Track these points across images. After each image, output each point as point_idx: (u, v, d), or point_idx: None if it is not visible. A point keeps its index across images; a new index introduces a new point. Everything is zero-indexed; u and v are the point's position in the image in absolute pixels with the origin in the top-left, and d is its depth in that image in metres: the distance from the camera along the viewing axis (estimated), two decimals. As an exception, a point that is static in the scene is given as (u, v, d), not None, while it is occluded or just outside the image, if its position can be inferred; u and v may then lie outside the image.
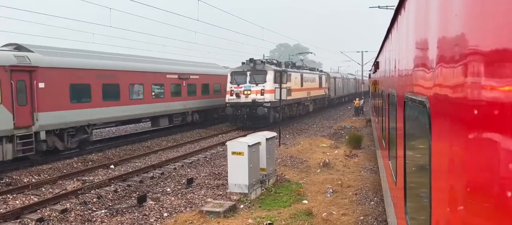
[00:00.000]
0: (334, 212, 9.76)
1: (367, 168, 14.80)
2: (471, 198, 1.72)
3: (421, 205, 3.07)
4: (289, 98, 26.51)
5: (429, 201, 2.56)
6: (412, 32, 3.53)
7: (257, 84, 26.09)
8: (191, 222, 9.03)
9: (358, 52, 60.67)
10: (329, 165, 15.17)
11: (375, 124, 16.25)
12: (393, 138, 5.70)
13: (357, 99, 40.23)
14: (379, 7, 25.69)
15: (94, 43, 36.45)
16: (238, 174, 10.83)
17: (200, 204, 10.59)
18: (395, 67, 5.58)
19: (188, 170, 15.07)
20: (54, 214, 9.93)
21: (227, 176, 11.54)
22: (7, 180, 13.19)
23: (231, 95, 26.48)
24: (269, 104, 25.46)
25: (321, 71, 42.98)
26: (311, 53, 39.95)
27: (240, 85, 26.37)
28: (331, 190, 11.74)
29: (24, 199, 11.31)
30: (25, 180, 13.32)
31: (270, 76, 26.24)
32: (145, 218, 9.67)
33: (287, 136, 23.82)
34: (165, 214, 9.96)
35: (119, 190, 12.18)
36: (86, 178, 13.81)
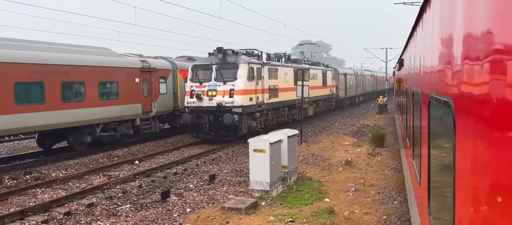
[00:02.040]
0: (357, 211, 9.69)
1: (390, 167, 14.61)
2: (495, 199, 1.71)
3: (445, 205, 3.05)
4: (272, 100, 21.87)
5: (453, 202, 2.54)
6: (437, 30, 3.49)
7: (224, 82, 19.30)
8: (213, 218, 9.12)
9: (382, 49, 59.52)
10: (351, 163, 15.05)
11: (399, 122, 16.05)
12: (417, 137, 5.64)
13: (380, 96, 39.57)
14: (404, 3, 25.21)
15: (119, 41, 37.14)
16: (259, 171, 10.87)
17: (222, 200, 10.68)
18: (419, 66, 5.51)
19: (210, 166, 15.21)
20: (81, 208, 10.21)
21: (248, 173, 11.60)
22: (36, 174, 13.63)
23: (192, 97, 19.64)
24: (240, 110, 18.94)
25: (327, 66, 34.81)
26: (314, 44, 32.12)
27: (204, 84, 19.62)
28: (353, 188, 11.65)
29: (52, 193, 11.65)
30: (53, 175, 13.72)
31: (242, 71, 19.41)
32: (169, 213, 9.82)
33: (308, 133, 23.71)
34: (188, 210, 10.09)
35: (143, 185, 12.42)
36: (111, 173, 14.11)
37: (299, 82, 20.07)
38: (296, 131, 13.22)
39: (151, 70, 21.06)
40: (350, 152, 17.53)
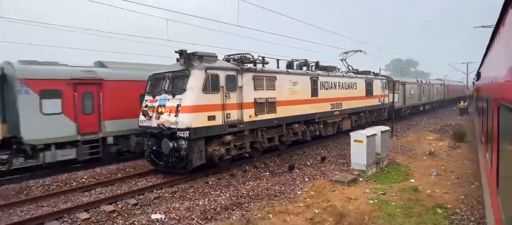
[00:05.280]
0: (437, 190, 8.78)
1: (469, 158, 12.68)
2: None
3: (509, 188, 2.79)
4: (262, 117, 11.99)
5: None
6: (506, 49, 3.17)
7: (174, 96, 10.31)
8: (324, 187, 9.23)
9: (463, 63, 50.90)
10: (434, 154, 13.52)
11: (477, 123, 13.84)
12: (490, 134, 5.00)
13: (462, 102, 34.07)
14: (483, 26, 21.32)
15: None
16: (358, 156, 10.61)
17: (330, 175, 10.66)
18: (491, 78, 4.89)
19: (322, 151, 15.12)
20: (240, 172, 11.19)
21: (350, 157, 11.36)
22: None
23: (143, 114, 11.01)
24: (186, 134, 9.78)
25: (377, 74, 22.77)
26: (361, 51, 21.34)
27: (156, 97, 10.87)
28: (435, 173, 10.52)
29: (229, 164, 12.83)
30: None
31: (194, 80, 10.13)
32: (293, 180, 10.20)
33: (398, 130, 21.77)
34: (306, 179, 10.32)
35: (277, 160, 13.01)
36: (256, 152, 15.05)
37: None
38: (388, 128, 12.44)
39: None
40: (433, 145, 15.70)
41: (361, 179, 9.92)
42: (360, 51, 21.48)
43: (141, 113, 11.14)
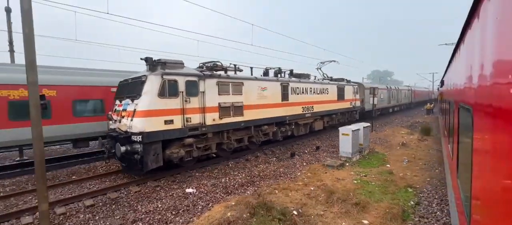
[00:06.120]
0: (408, 174, 8.58)
1: (434, 148, 12.32)
2: (495, 168, 1.64)
3: (465, 171, 2.74)
4: (228, 120, 9.77)
5: (471, 170, 2.33)
6: (464, 63, 3.10)
7: (132, 101, 7.82)
8: (318, 169, 9.14)
9: (430, 73, 49.42)
10: (406, 145, 13.19)
11: (441, 121, 13.46)
12: (451, 129, 4.87)
13: (428, 104, 33.07)
14: (446, 44, 20.59)
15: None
16: (345, 146, 10.46)
17: (323, 160, 10.54)
18: (452, 85, 4.76)
19: (317, 142, 14.92)
20: (253, 158, 11.14)
21: (338, 146, 11.21)
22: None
23: (108, 118, 8.80)
24: (139, 138, 7.35)
25: (349, 81, 19.91)
26: (334, 61, 18.68)
27: (122, 102, 8.32)
28: (406, 160, 10.27)
29: (246, 152, 12.72)
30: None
31: (150, 85, 7.66)
32: (294, 164, 10.12)
33: (377, 126, 21.33)
34: (304, 164, 10.23)
35: (282, 149, 12.92)
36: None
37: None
38: (369, 124, 12.21)
39: None
40: (405, 138, 15.32)
41: (347, 164, 9.78)
42: (334, 61, 18.88)
43: (107, 116, 8.93)
